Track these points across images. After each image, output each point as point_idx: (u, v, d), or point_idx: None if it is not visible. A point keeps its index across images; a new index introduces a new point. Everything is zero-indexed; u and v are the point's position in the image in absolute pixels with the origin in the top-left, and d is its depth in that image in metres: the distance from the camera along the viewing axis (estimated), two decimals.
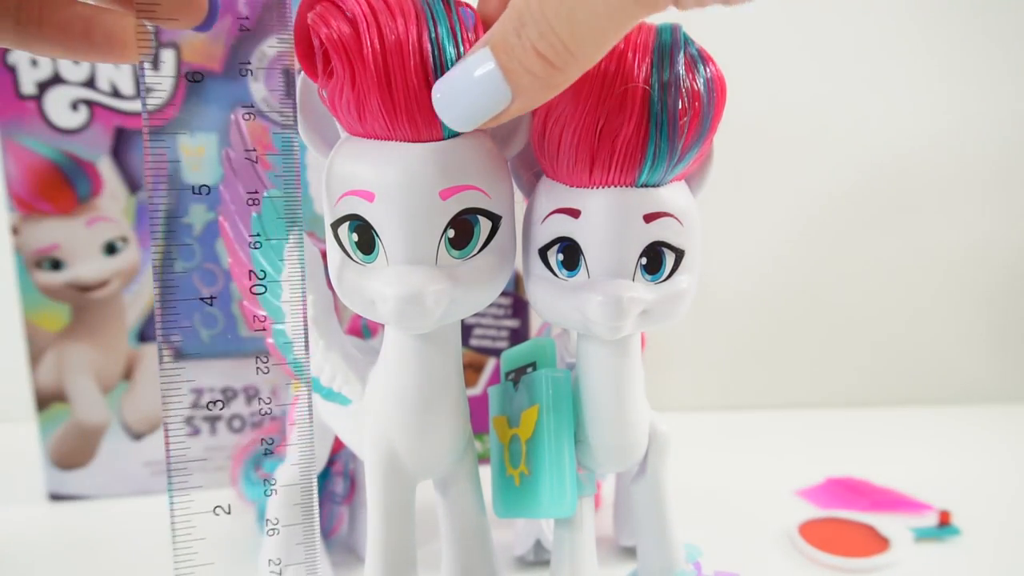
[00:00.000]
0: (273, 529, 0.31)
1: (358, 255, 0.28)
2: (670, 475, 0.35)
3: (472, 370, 0.58)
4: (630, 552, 0.45)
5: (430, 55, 0.26)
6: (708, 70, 0.28)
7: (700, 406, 0.74)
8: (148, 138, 0.26)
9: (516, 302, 0.57)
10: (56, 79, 0.50)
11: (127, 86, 0.51)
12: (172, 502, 0.27)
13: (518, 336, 0.58)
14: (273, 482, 0.33)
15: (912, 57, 0.70)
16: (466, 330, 0.57)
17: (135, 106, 0.51)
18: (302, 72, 0.28)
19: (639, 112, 0.26)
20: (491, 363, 0.58)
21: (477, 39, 0.27)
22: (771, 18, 0.69)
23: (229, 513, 0.31)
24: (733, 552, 0.45)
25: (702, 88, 0.27)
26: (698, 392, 0.75)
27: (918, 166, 0.72)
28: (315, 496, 0.30)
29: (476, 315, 0.57)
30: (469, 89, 0.24)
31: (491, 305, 0.57)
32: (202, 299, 0.29)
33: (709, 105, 0.27)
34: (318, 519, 0.31)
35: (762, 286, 0.73)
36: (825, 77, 0.70)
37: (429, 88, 0.26)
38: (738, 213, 0.71)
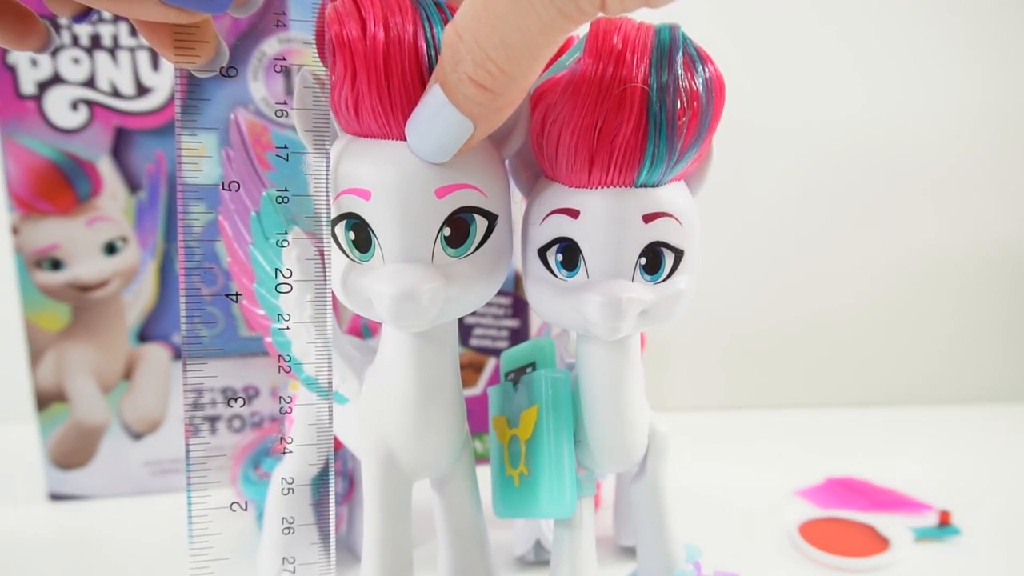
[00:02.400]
0: (289, 528, 0.31)
1: (355, 253, 0.28)
2: (670, 475, 0.35)
3: (472, 370, 0.58)
4: (630, 552, 0.45)
5: (425, 54, 0.26)
6: (707, 70, 0.27)
7: (700, 406, 0.74)
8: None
9: (516, 302, 0.57)
10: (56, 79, 0.50)
11: (127, 86, 0.51)
12: (190, 498, 0.28)
13: (518, 336, 0.58)
14: (290, 480, 0.33)
15: (912, 50, 0.70)
16: (466, 330, 0.57)
17: (135, 106, 0.51)
18: (300, 70, 0.29)
19: (638, 112, 0.26)
20: (491, 363, 0.58)
21: None
22: (768, 16, 0.69)
23: (246, 510, 0.31)
24: (733, 552, 0.45)
25: (701, 88, 0.27)
26: (698, 392, 0.75)
27: (921, 164, 0.72)
28: (331, 496, 0.31)
29: (476, 315, 0.57)
30: (433, 126, 0.26)
31: (491, 305, 0.57)
32: (228, 295, 0.30)
33: (708, 105, 0.27)
34: (334, 519, 0.31)
35: (762, 286, 0.73)
36: (825, 75, 0.70)
37: (424, 87, 0.26)
38: (738, 212, 0.71)
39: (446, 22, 0.26)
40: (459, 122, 0.25)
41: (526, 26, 0.22)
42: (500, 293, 0.56)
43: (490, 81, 0.24)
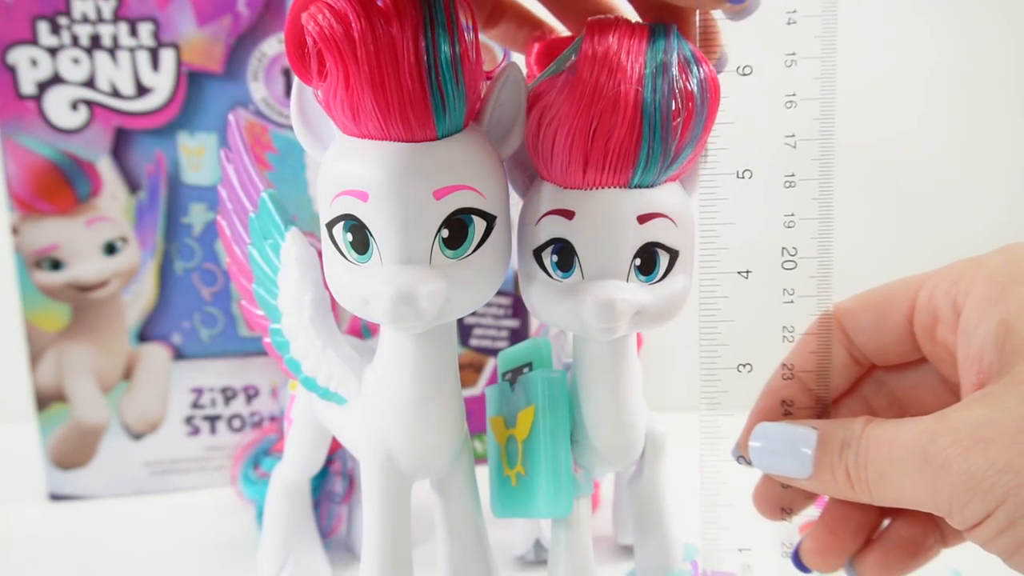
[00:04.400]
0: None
1: (352, 255, 0.28)
2: (667, 475, 0.36)
3: (472, 370, 0.58)
4: (629, 551, 0.44)
5: (424, 54, 0.26)
6: (701, 71, 0.27)
7: (700, 406, 0.74)
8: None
9: (516, 302, 0.57)
10: (56, 79, 0.50)
11: (127, 86, 0.51)
12: None
13: (518, 336, 0.58)
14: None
15: (910, 40, 0.70)
16: (466, 330, 0.57)
17: (135, 106, 0.51)
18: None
19: (632, 113, 0.26)
20: (491, 363, 0.58)
21: (475, 36, 0.27)
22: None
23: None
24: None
25: (695, 89, 0.27)
26: (698, 392, 0.75)
27: (921, 157, 0.71)
28: None
29: (476, 315, 0.57)
30: (781, 449, 0.29)
31: (491, 305, 0.57)
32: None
33: (702, 106, 0.27)
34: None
35: None
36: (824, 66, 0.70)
37: (423, 87, 0.26)
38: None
39: (448, 14, 0.26)
40: (803, 467, 0.28)
41: (906, 481, 0.25)
42: (500, 293, 0.56)
43: (856, 480, 0.26)
